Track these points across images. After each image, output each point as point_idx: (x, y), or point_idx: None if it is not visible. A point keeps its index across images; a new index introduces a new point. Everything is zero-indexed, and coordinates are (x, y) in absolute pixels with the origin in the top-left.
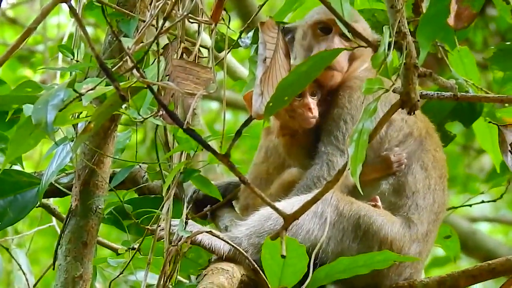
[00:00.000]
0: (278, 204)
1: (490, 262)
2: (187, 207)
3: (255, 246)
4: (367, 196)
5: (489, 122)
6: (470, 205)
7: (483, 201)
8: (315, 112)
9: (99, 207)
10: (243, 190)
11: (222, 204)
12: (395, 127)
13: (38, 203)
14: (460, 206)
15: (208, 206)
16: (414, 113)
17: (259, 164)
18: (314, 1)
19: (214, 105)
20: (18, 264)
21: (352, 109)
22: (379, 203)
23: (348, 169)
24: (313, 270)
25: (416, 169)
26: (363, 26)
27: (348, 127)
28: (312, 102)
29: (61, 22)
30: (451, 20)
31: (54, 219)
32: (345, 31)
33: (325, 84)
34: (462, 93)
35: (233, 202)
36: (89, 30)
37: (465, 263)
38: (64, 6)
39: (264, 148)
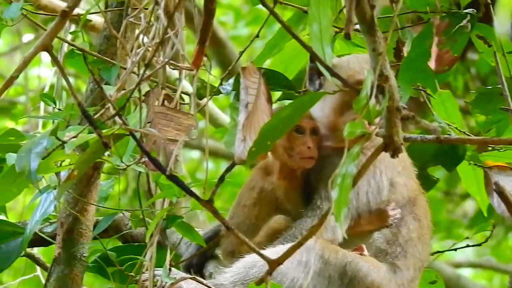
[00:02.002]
0: (263, 252)
1: None
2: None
3: None
4: (357, 245)
5: (475, 164)
6: (455, 249)
7: (468, 245)
8: (314, 151)
9: (83, 255)
10: (226, 235)
11: (206, 251)
12: (396, 190)
13: (22, 252)
14: (445, 251)
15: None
16: (397, 156)
17: (250, 206)
18: (293, 46)
19: (195, 154)
20: None
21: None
22: (365, 252)
23: (332, 213)
24: None
25: (409, 220)
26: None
27: None
28: (311, 140)
29: (42, 74)
30: (432, 64)
31: (38, 268)
32: (327, 75)
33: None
34: (445, 136)
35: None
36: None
37: None
38: (45, 57)
39: (258, 188)
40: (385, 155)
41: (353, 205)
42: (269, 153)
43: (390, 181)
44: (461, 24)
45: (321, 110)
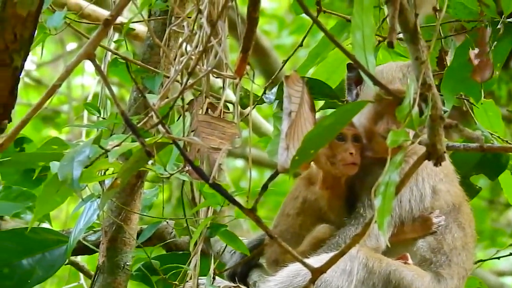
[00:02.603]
0: (306, 260)
1: None
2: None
3: None
4: (401, 253)
5: None
6: (499, 258)
7: (511, 254)
8: (357, 158)
9: (127, 263)
10: (270, 244)
11: (250, 260)
12: (440, 197)
13: (66, 261)
14: (489, 259)
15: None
16: (440, 165)
17: (293, 216)
18: (336, 56)
19: (239, 163)
20: None
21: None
22: (410, 260)
23: (375, 221)
24: None
25: (454, 228)
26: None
27: None
28: (353, 147)
29: (85, 83)
30: (474, 73)
31: (82, 276)
32: (370, 83)
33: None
34: (488, 145)
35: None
36: (114, 89)
37: None
38: (88, 66)
39: (301, 198)
40: (427, 163)
41: (396, 212)
42: (312, 163)
43: (433, 188)
44: (504, 32)
45: (362, 118)
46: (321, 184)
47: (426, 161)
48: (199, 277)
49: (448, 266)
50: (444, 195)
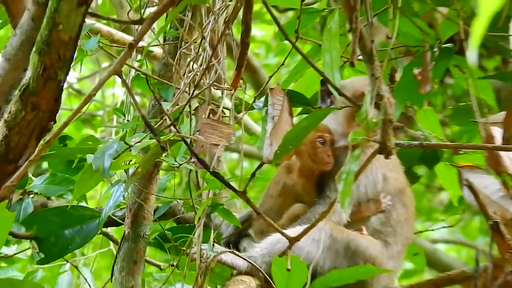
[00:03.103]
0: (285, 231)
1: (448, 273)
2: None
3: (267, 263)
4: (358, 226)
5: (451, 164)
6: (433, 230)
7: (443, 226)
8: (332, 158)
9: (146, 233)
10: (257, 218)
11: (241, 231)
12: (389, 183)
13: (99, 231)
14: (425, 231)
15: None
16: (390, 158)
17: (275, 197)
18: (312, 73)
19: (234, 155)
20: (85, 279)
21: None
22: (365, 232)
23: (338, 201)
24: (312, 281)
25: (399, 206)
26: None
27: None
28: (330, 150)
29: (115, 93)
30: (418, 86)
31: (111, 243)
32: (336, 94)
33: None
34: (427, 142)
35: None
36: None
37: (428, 276)
38: (118, 79)
39: (282, 183)
40: (379, 156)
41: (355, 195)
42: (294, 156)
43: (384, 176)
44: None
45: (335, 122)
46: (298, 173)
47: (379, 155)
48: (202, 244)
49: (394, 235)
50: (392, 181)
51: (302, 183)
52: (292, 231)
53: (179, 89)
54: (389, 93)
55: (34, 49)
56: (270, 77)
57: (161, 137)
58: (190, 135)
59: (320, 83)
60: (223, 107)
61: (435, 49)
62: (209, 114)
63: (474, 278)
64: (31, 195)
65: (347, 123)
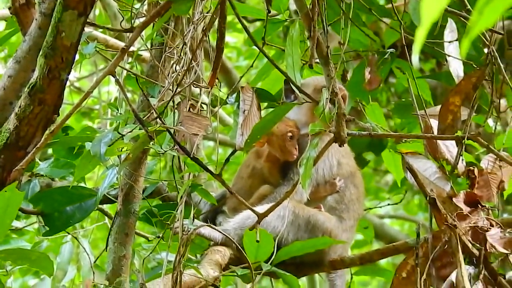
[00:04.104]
0: (254, 208)
1: (394, 244)
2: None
3: (239, 236)
4: (316, 205)
5: (395, 151)
6: (380, 207)
7: (389, 204)
8: (297, 151)
9: (136, 210)
10: (230, 197)
11: (217, 208)
12: (342, 167)
13: (96, 207)
14: (373, 208)
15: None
16: (343, 146)
17: (245, 178)
18: (276, 74)
19: (211, 143)
20: (84, 248)
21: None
22: (322, 209)
23: (300, 183)
24: (277, 251)
25: (351, 187)
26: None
27: None
28: (296, 143)
29: (110, 90)
30: (366, 85)
31: (106, 218)
32: (297, 91)
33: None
34: (374, 132)
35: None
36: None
37: (376, 246)
38: (112, 78)
39: (251, 166)
40: (334, 144)
41: (314, 177)
42: (266, 144)
43: (338, 161)
44: (385, 58)
45: (299, 114)
46: (266, 158)
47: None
48: (184, 220)
49: (347, 212)
50: (345, 166)
51: (268, 167)
52: (261, 208)
53: (164, 87)
54: (345, 90)
55: (40, 53)
56: (241, 77)
57: (148, 128)
58: (174, 126)
59: (283, 82)
60: (201, 103)
61: (381, 53)
62: (189, 108)
63: (416, 248)
64: (38, 177)
65: (309, 115)
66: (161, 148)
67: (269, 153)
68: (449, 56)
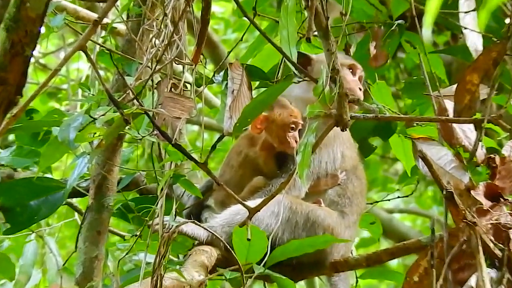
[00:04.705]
0: (245, 203)
1: (404, 242)
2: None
3: (227, 233)
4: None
5: (405, 136)
6: (389, 200)
7: (398, 196)
8: (297, 144)
9: (110, 204)
10: (218, 189)
11: (203, 201)
12: (345, 160)
13: (64, 202)
14: (381, 200)
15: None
16: (346, 130)
17: (236, 168)
18: (269, 49)
19: (195, 127)
20: (50, 249)
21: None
22: (322, 204)
23: (297, 173)
24: (271, 251)
25: (354, 179)
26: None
27: (314, 157)
28: (298, 136)
29: (80, 67)
30: (371, 61)
31: (76, 214)
32: (292, 68)
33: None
34: (381, 115)
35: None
36: (101, 72)
37: (384, 245)
38: (83, 54)
39: (244, 154)
40: (339, 134)
41: (316, 170)
42: (264, 131)
43: (342, 154)
44: (393, 30)
45: (308, 92)
46: (261, 146)
47: (340, 133)
48: (164, 216)
49: (350, 206)
50: (348, 159)
51: (264, 156)
52: (253, 203)
53: (141, 64)
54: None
55: (1, 26)
56: (229, 52)
57: (124, 110)
58: (153, 108)
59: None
60: (184, 81)
61: (388, 25)
62: (170, 88)
63: (430, 247)
64: None
65: None
66: (139, 134)
67: (265, 140)
68: (465, 28)
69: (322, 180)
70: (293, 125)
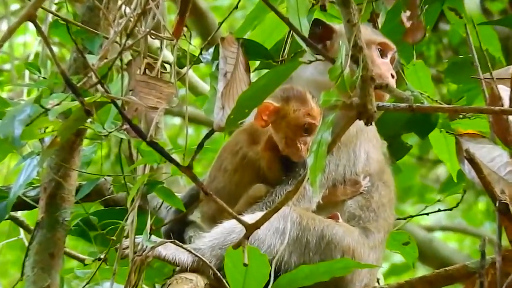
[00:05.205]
0: (241, 217)
1: (447, 268)
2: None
3: (218, 258)
4: (331, 212)
5: (447, 132)
6: (427, 214)
7: (439, 210)
8: (307, 151)
9: (66, 219)
10: (206, 200)
11: (186, 215)
12: (370, 163)
13: (6, 215)
14: (418, 215)
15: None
16: (371, 124)
17: (230, 172)
18: (273, 19)
19: (176, 120)
20: None
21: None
22: (340, 219)
23: (308, 180)
24: (275, 279)
25: (380, 186)
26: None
27: (330, 159)
28: (310, 140)
29: (27, 41)
30: (406, 35)
31: (22, 231)
32: (302, 43)
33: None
34: (417, 104)
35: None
36: (55, 49)
37: (421, 272)
38: (31, 25)
39: (241, 154)
40: (363, 130)
41: (332, 176)
42: (270, 127)
43: (367, 155)
44: None
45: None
46: (264, 145)
47: (364, 128)
48: (136, 236)
49: (376, 221)
50: (374, 161)
51: (267, 158)
52: (251, 218)
53: (108, 38)
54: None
55: None
56: (221, 23)
57: (85, 99)
58: (122, 96)
59: (312, 23)
60: (163, 61)
61: None
62: (145, 70)
63: (479, 275)
64: None
65: None
66: (103, 129)
67: (270, 137)
68: None
69: (339, 188)
70: (307, 128)
